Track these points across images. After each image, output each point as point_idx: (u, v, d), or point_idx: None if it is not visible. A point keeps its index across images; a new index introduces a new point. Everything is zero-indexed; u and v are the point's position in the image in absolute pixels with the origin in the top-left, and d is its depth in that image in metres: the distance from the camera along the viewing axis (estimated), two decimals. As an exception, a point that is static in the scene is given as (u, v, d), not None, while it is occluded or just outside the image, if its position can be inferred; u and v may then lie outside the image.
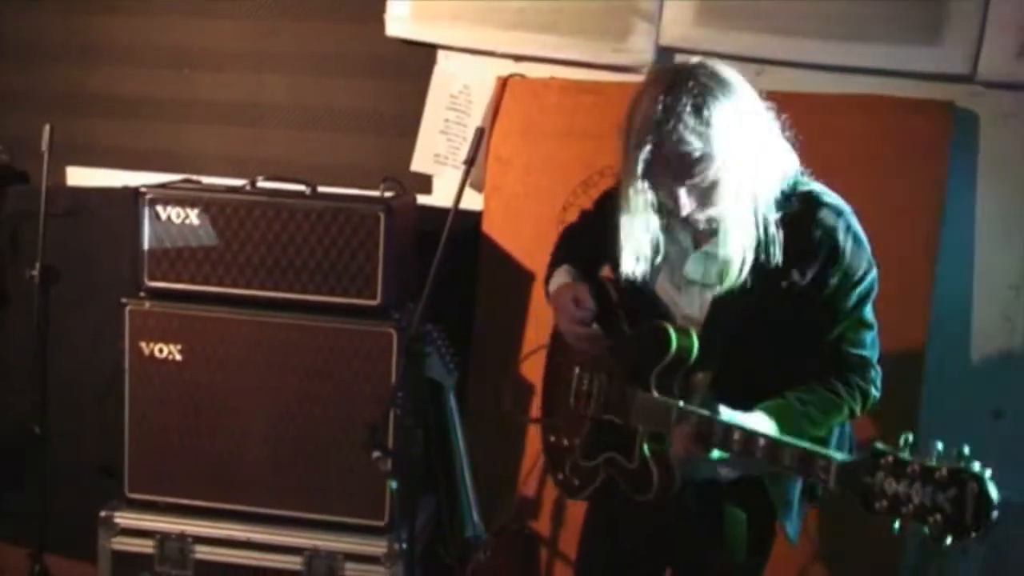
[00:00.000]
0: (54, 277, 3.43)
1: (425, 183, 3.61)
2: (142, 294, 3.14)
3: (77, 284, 3.59)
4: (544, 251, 3.32)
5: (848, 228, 2.09)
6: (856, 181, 3.14)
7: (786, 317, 2.07)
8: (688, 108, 1.93)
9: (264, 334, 3.08)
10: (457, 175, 3.05)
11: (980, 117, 3.21)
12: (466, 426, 3.07)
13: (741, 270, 2.04)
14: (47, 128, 3.31)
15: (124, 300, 3.13)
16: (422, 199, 3.49)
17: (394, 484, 2.83)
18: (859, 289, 2.09)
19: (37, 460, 3.49)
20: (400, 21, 3.55)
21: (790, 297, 2.06)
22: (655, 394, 2.12)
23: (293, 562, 3.07)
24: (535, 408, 3.36)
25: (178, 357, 3.13)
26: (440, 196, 3.56)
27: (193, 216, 3.09)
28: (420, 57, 3.58)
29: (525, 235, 3.38)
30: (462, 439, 3.03)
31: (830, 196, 2.14)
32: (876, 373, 2.16)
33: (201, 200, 3.09)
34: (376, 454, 2.67)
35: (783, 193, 2.08)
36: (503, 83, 3.40)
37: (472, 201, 3.38)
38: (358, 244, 3.02)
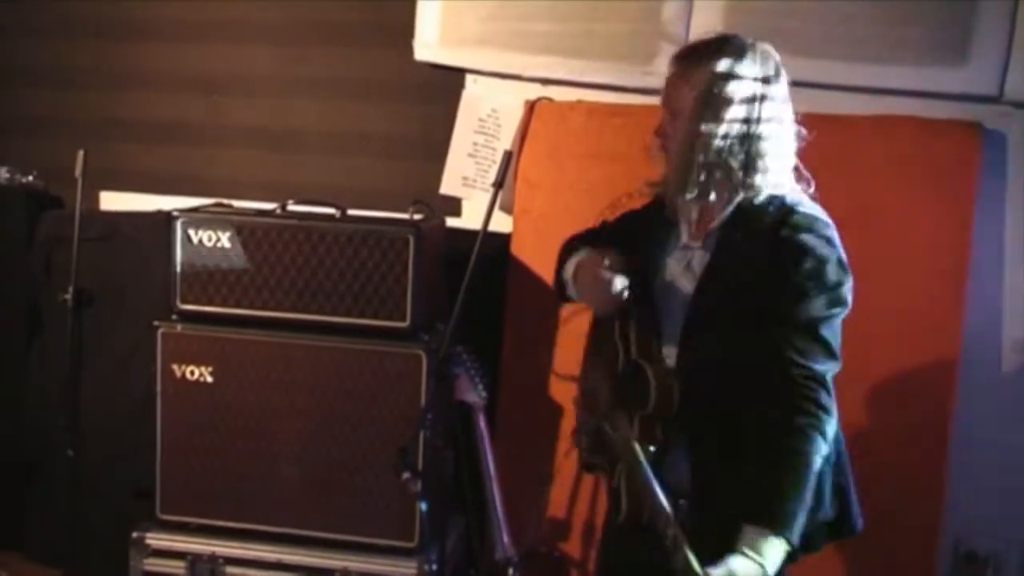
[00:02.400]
0: (87, 300, 3.47)
1: (454, 206, 3.63)
2: (174, 317, 3.17)
3: (110, 307, 3.62)
4: (572, 273, 3.35)
5: (818, 235, 2.03)
6: (885, 203, 3.17)
7: (749, 320, 2.01)
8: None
9: (294, 356, 3.10)
10: (486, 198, 3.06)
11: (1008, 137, 3.20)
12: (496, 447, 3.07)
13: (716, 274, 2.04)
14: (81, 154, 3.35)
15: (156, 323, 3.16)
16: (451, 222, 3.51)
17: (424, 505, 2.84)
18: (821, 299, 2.01)
19: (70, 482, 3.52)
20: (429, 46, 3.58)
21: (754, 299, 2.01)
22: (634, 441, 2.05)
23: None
24: (568, 424, 3.38)
25: (209, 379, 3.15)
26: (469, 219, 3.58)
27: (224, 239, 3.12)
28: (449, 81, 3.61)
29: (554, 257, 3.35)
30: (492, 461, 3.02)
31: (810, 208, 2.09)
32: (827, 397, 1.99)
33: (232, 223, 3.12)
34: (406, 475, 2.67)
35: (768, 201, 2.06)
36: (531, 106, 3.42)
37: (501, 223, 3.40)
38: (387, 267, 3.04)
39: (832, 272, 2.01)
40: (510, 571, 2.96)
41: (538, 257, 3.42)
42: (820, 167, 3.16)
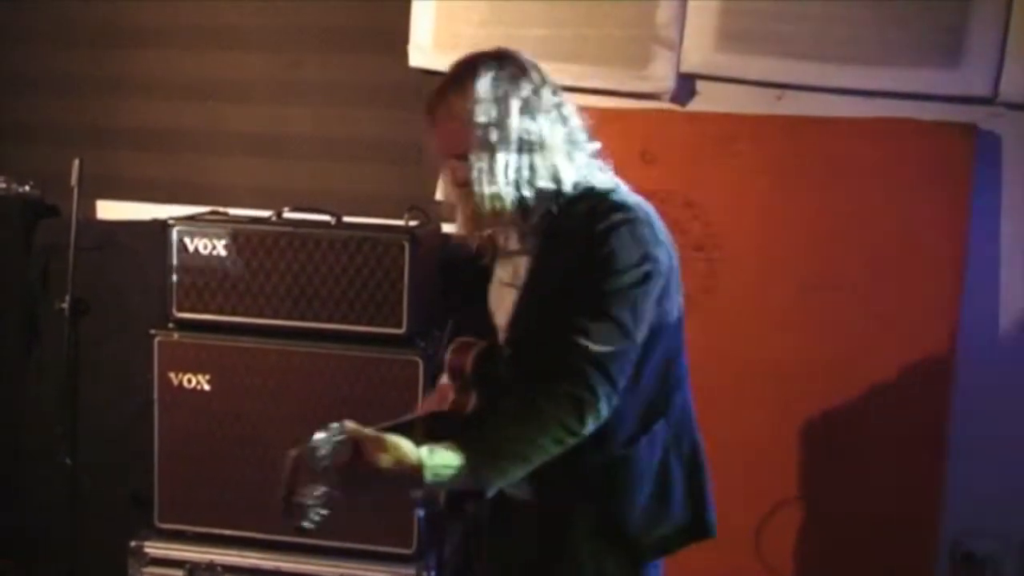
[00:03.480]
0: (84, 309, 3.48)
1: (450, 212, 3.62)
2: (171, 325, 3.17)
3: (107, 316, 3.62)
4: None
5: (622, 219, 1.94)
6: (880, 205, 3.18)
7: (556, 310, 1.93)
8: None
9: (291, 363, 3.10)
10: (482, 204, 3.06)
11: (1003, 138, 3.21)
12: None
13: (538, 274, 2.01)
14: (76, 162, 3.36)
15: (153, 331, 3.17)
16: (447, 227, 3.51)
17: (421, 512, 2.85)
18: (617, 281, 1.90)
19: (68, 490, 3.53)
20: (423, 51, 3.58)
21: (560, 287, 1.96)
22: None
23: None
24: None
25: (206, 387, 3.15)
26: (465, 225, 3.57)
27: (220, 247, 3.12)
28: (443, 87, 3.60)
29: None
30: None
31: (617, 194, 2.02)
32: (601, 376, 1.83)
33: (228, 231, 3.12)
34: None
35: (578, 195, 2.01)
36: (526, 111, 3.41)
37: (497, 229, 3.39)
38: (383, 273, 3.04)
39: (627, 254, 1.90)
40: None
41: (534, 262, 3.42)
42: (815, 169, 3.21)
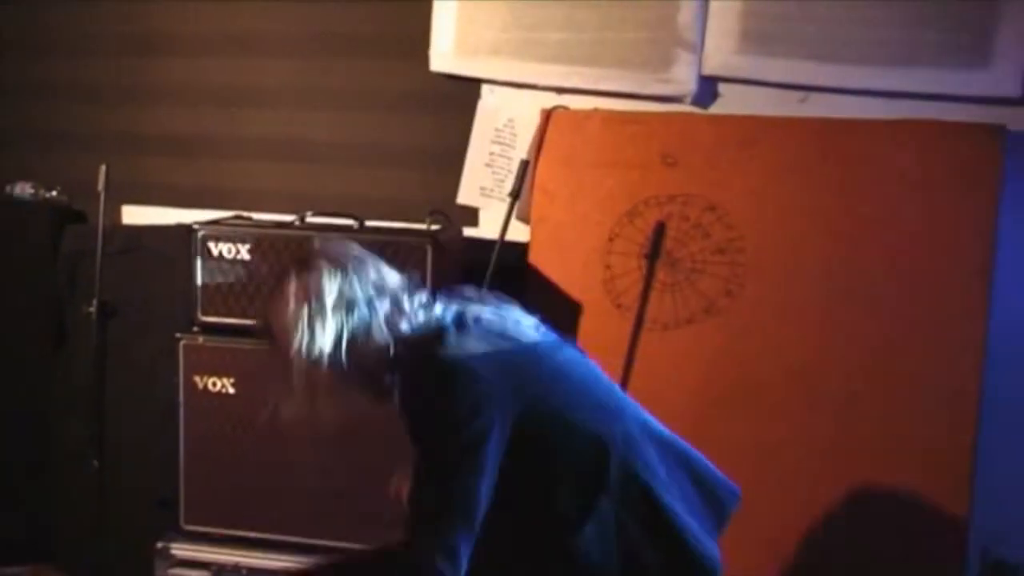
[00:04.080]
0: (110, 313, 3.52)
1: (472, 216, 3.63)
2: (195, 329, 3.19)
3: (133, 320, 3.66)
4: (591, 281, 3.35)
5: (435, 378, 1.98)
6: (906, 207, 3.15)
7: None
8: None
9: (314, 367, 3.11)
10: (503, 208, 3.08)
11: (1032, 139, 3.17)
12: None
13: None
14: (103, 168, 3.39)
15: (178, 335, 3.19)
16: (469, 232, 3.52)
17: (444, 516, 2.85)
18: (425, 440, 1.97)
19: (95, 492, 3.56)
20: (444, 56, 3.59)
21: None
22: None
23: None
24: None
25: (231, 390, 3.17)
26: (487, 228, 3.58)
27: (244, 252, 3.14)
28: (464, 91, 3.61)
29: (572, 265, 3.38)
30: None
31: (445, 348, 2.01)
32: (438, 547, 1.86)
33: (251, 236, 3.14)
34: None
35: (406, 347, 2.05)
36: (547, 115, 3.42)
37: (518, 233, 3.39)
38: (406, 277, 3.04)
39: (441, 415, 1.96)
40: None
41: (556, 265, 3.41)
42: (839, 172, 3.18)
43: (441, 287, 2.87)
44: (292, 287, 2.04)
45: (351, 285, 2.03)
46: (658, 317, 3.31)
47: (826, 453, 3.21)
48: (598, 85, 3.44)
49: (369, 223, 3.19)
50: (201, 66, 3.87)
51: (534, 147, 3.42)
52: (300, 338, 2.01)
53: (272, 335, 2.09)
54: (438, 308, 2.09)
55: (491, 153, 3.60)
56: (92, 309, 3.50)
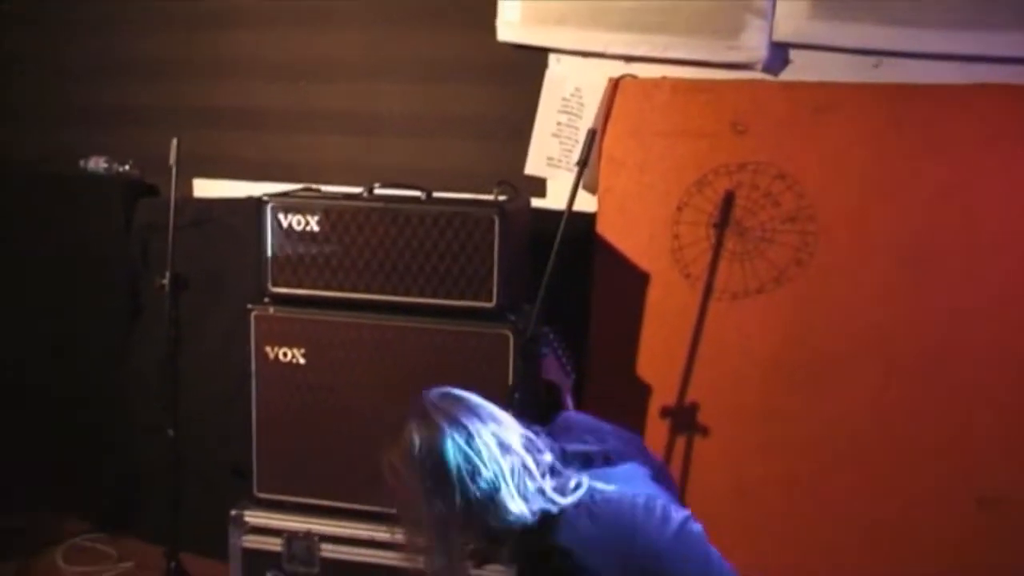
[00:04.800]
0: (183, 286, 3.56)
1: (539, 186, 3.63)
2: (266, 300, 3.22)
3: (206, 292, 3.71)
4: (659, 251, 3.34)
5: (553, 557, 1.97)
6: (981, 172, 3.09)
7: None
8: None
9: (383, 337, 3.14)
10: (570, 178, 3.06)
11: (1113, 102, 3.08)
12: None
13: None
14: (174, 142, 3.43)
15: (250, 306, 3.22)
16: (536, 202, 3.51)
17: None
18: None
19: (170, 462, 3.63)
20: (511, 26, 3.58)
21: None
22: None
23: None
24: (656, 403, 3.37)
25: (301, 360, 3.21)
26: (554, 199, 3.57)
27: (313, 223, 3.17)
28: (531, 61, 3.60)
29: (640, 235, 3.37)
30: (579, 440, 3.03)
31: (560, 528, 1.99)
32: None
33: (320, 207, 3.17)
34: (495, 454, 2.70)
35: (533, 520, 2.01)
36: (614, 84, 3.40)
37: (586, 203, 3.38)
38: (473, 248, 3.06)
39: None
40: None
41: (624, 235, 3.40)
42: (913, 139, 3.12)
43: (510, 257, 2.87)
44: (414, 449, 2.01)
45: (476, 448, 1.99)
46: (727, 287, 3.29)
47: (898, 424, 3.18)
48: (667, 53, 3.41)
49: (436, 194, 3.20)
50: (271, 40, 3.90)
51: (602, 116, 3.41)
52: (425, 499, 1.99)
53: (394, 488, 2.07)
54: (574, 483, 2.05)
55: (558, 123, 3.59)
56: (165, 281, 3.53)
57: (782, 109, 3.22)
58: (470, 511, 1.97)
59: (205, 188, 4.05)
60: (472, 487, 1.96)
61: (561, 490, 2.02)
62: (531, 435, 2.08)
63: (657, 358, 3.39)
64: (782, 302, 3.24)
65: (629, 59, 3.48)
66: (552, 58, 3.59)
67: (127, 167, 4.02)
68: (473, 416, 2.03)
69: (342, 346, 3.17)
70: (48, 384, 4.19)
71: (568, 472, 2.06)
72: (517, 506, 1.98)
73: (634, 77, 3.42)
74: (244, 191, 3.82)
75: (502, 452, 1.99)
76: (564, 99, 3.58)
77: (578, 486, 2.03)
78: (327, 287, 3.17)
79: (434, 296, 3.10)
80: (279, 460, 3.26)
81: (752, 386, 3.30)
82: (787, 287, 3.24)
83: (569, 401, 3.02)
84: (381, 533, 3.14)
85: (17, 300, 4.20)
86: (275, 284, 3.22)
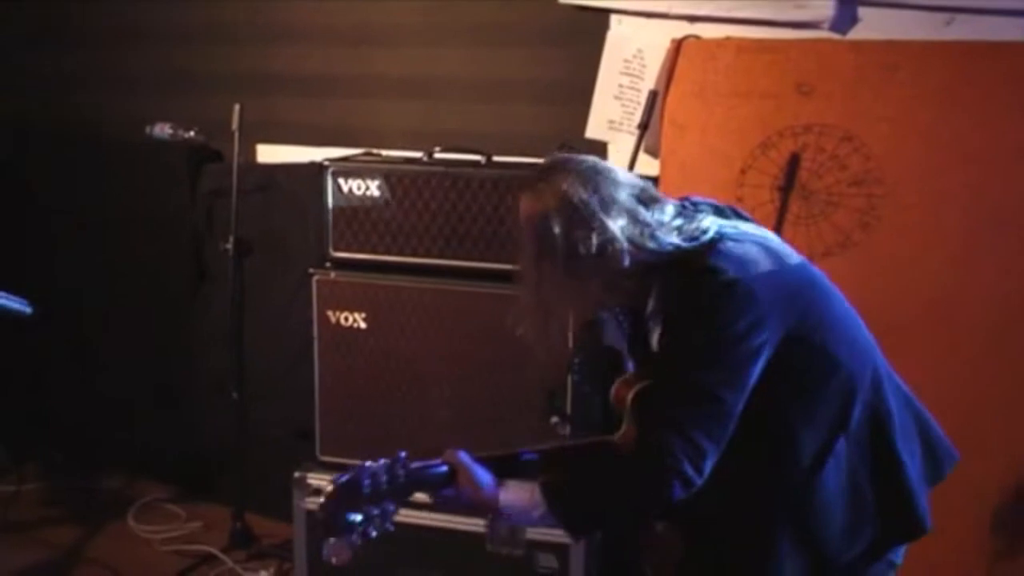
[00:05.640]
0: (247, 250, 3.61)
1: (600, 150, 3.59)
2: (328, 264, 3.25)
3: (269, 256, 3.76)
4: (721, 215, 3.28)
5: (699, 285, 1.92)
6: (1057, 133, 2.99)
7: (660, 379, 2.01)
8: None
9: (444, 301, 3.15)
10: (632, 141, 3.03)
11: None
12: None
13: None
14: (236, 108, 3.46)
15: (311, 270, 3.25)
16: (597, 165, 3.48)
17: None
18: (695, 350, 1.91)
19: (236, 423, 3.69)
20: (572, -12, 3.54)
21: (658, 358, 2.01)
22: None
23: (476, 524, 3.12)
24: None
25: (363, 325, 3.23)
26: (616, 162, 3.51)
27: (374, 188, 3.18)
28: (593, 23, 3.55)
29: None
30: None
31: (712, 256, 1.95)
32: (683, 442, 1.86)
33: (381, 172, 3.17)
34: (554, 420, 2.70)
35: (669, 264, 1.98)
36: (677, 45, 3.34)
37: (648, 166, 3.34)
38: (534, 212, 3.04)
39: (703, 321, 1.90)
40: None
41: (686, 200, 3.36)
42: (985, 98, 3.03)
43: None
44: (539, 196, 2.01)
45: (600, 194, 1.97)
46: (791, 251, 3.24)
47: (967, 391, 3.11)
48: (731, 13, 3.34)
49: (497, 158, 3.19)
50: (331, 6, 3.90)
51: (664, 78, 3.36)
52: (545, 247, 1.99)
53: (515, 241, 2.09)
54: (705, 221, 2.02)
55: (620, 85, 3.54)
56: (229, 246, 3.59)
57: (850, 69, 3.14)
58: (596, 262, 1.96)
59: (268, 154, 4.08)
60: (590, 240, 1.95)
61: (690, 233, 2.00)
62: (648, 186, 2.06)
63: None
64: (848, 267, 3.17)
65: (693, 19, 3.42)
66: (614, 19, 3.54)
67: (192, 133, 4.05)
68: (591, 172, 2.01)
69: (403, 310, 3.19)
70: (116, 348, 4.28)
71: (697, 216, 2.04)
72: (650, 244, 1.96)
73: (697, 38, 3.36)
74: (307, 156, 3.83)
75: (609, 210, 1.97)
76: (626, 61, 3.53)
77: (707, 230, 2.00)
78: (387, 252, 3.19)
79: (495, 260, 3.10)
80: (341, 423, 3.29)
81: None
82: (853, 251, 3.17)
83: (630, 367, 3.00)
84: (441, 496, 3.16)
85: (86, 266, 4.28)
86: (336, 249, 3.24)
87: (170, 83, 4.19)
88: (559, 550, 3.06)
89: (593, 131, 3.60)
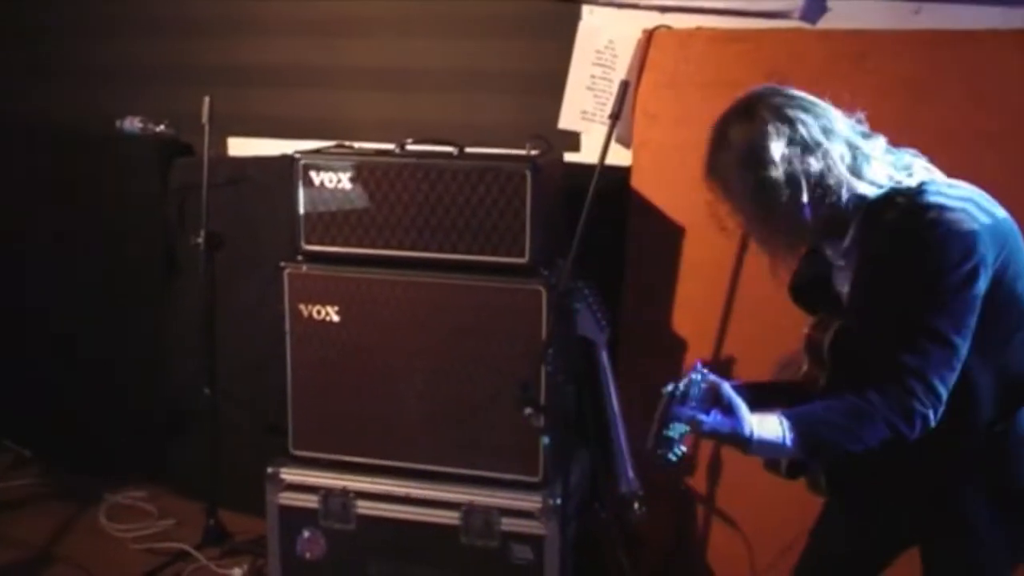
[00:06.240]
0: (218, 244, 3.58)
1: (574, 141, 3.59)
2: (300, 258, 3.23)
3: (239, 250, 3.72)
4: (694, 204, 3.26)
5: (931, 221, 1.89)
6: (1025, 119, 3.01)
7: (877, 322, 1.97)
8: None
9: (416, 294, 3.13)
10: (605, 131, 3.02)
11: None
12: (618, 382, 3.05)
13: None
14: (206, 100, 3.42)
15: (283, 264, 3.23)
16: (571, 156, 3.47)
17: (546, 440, 2.86)
18: (932, 289, 1.89)
19: (207, 419, 3.66)
20: (543, -22, 3.53)
21: (877, 300, 1.97)
22: None
23: (451, 517, 3.13)
24: (691, 356, 3.34)
25: (335, 318, 3.21)
26: (588, 153, 3.53)
27: (345, 180, 3.16)
28: (564, 13, 3.54)
29: (675, 189, 3.33)
30: (616, 396, 3.02)
31: (927, 194, 1.94)
32: (924, 388, 1.88)
33: (352, 164, 3.15)
34: (528, 411, 2.69)
35: (883, 199, 1.97)
36: (648, 36, 3.34)
37: (620, 157, 3.35)
38: (506, 203, 3.03)
39: (941, 258, 1.88)
40: (635, 505, 2.97)
41: (658, 189, 3.36)
42: (955, 86, 3.05)
43: (543, 212, 2.85)
44: (753, 120, 1.98)
45: (820, 120, 1.97)
46: (764, 240, 3.24)
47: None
48: (702, 3, 3.34)
49: (469, 149, 3.18)
50: (301, -4, 3.88)
51: (635, 68, 3.36)
52: (749, 186, 1.97)
53: (716, 181, 2.05)
54: (907, 158, 2.03)
55: (592, 76, 3.54)
56: (200, 240, 3.56)
57: (820, 58, 3.15)
58: (813, 192, 1.94)
59: (240, 147, 4.05)
60: (810, 166, 1.93)
61: (904, 167, 2.01)
62: (862, 118, 2.07)
63: (693, 312, 3.36)
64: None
65: (664, 10, 3.42)
66: (585, 10, 3.54)
67: (162, 127, 4.03)
68: (795, 105, 1.99)
69: (375, 303, 3.17)
70: (87, 344, 4.24)
71: (903, 155, 2.04)
72: (860, 184, 1.95)
73: (668, 28, 3.36)
74: (278, 149, 3.80)
75: (829, 137, 1.96)
76: (598, 51, 3.53)
77: (912, 169, 2.01)
78: (360, 244, 3.17)
79: (467, 252, 3.09)
80: (314, 417, 3.28)
81: (790, 340, 3.25)
82: (825, 240, 3.18)
83: (605, 357, 3.01)
84: (415, 489, 3.16)
85: (55, 260, 4.24)
86: (308, 242, 3.22)
87: (140, 76, 4.15)
88: (534, 541, 3.07)
89: (566, 122, 3.60)
